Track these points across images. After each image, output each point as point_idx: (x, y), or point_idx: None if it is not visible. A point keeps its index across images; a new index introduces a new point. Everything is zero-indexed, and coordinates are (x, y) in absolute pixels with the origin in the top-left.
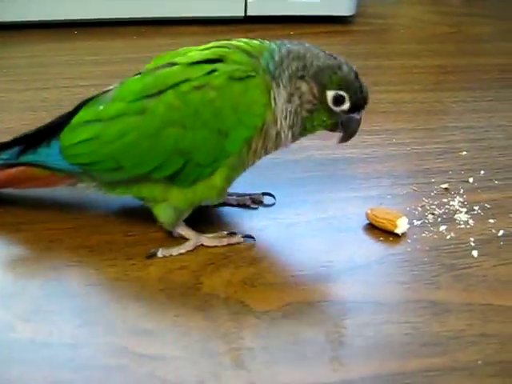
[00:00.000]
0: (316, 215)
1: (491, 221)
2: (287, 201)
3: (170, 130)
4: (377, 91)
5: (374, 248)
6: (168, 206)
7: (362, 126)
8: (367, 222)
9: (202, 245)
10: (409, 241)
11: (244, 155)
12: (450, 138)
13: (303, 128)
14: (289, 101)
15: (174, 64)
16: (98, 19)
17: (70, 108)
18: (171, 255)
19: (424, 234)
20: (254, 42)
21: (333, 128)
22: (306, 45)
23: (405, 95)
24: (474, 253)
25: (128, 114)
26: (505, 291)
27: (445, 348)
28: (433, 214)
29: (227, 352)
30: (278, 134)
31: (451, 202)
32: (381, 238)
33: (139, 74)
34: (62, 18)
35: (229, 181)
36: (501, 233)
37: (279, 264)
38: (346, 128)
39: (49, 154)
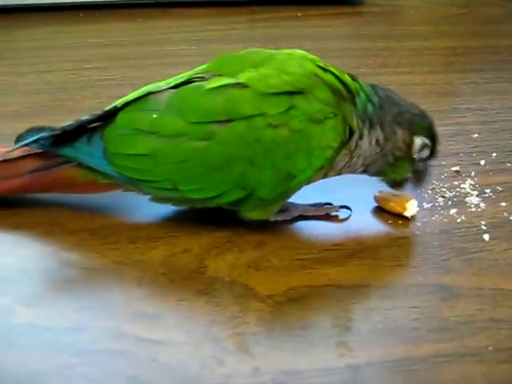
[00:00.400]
0: (323, 198)
1: (503, 204)
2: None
3: (236, 163)
4: (386, 73)
5: (383, 231)
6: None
7: None
8: (375, 205)
9: (301, 215)
10: (418, 224)
11: (302, 187)
12: (461, 120)
13: (380, 171)
14: (379, 144)
15: (245, 86)
16: (103, 2)
17: (75, 91)
18: (268, 220)
19: (434, 218)
20: (347, 77)
21: (410, 178)
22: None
23: (414, 77)
24: (485, 236)
25: (191, 137)
26: None
27: (454, 333)
28: (443, 196)
29: (231, 336)
30: (344, 167)
31: (462, 185)
32: (389, 222)
33: (196, 78)
34: (67, 1)
35: (282, 205)
36: None
37: (285, 247)
38: (420, 175)
39: (90, 154)
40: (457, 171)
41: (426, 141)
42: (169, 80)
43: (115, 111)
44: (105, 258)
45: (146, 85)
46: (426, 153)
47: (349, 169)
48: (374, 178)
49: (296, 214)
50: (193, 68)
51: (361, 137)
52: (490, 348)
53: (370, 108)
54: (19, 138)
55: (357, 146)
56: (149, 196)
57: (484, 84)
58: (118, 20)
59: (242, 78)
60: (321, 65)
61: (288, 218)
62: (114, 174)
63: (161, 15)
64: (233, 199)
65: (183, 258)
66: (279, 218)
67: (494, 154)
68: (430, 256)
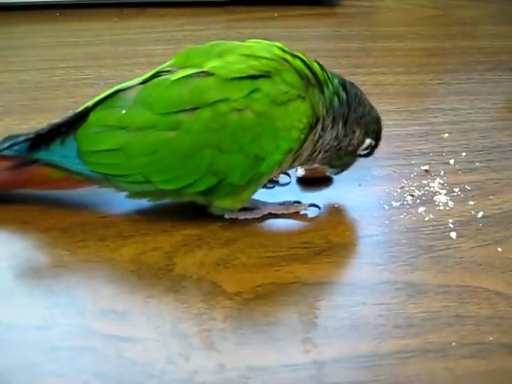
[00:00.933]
0: (291, 197)
1: (471, 202)
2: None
3: (205, 150)
4: (360, 73)
5: (351, 229)
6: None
7: None
8: (344, 203)
9: (270, 213)
10: (386, 222)
11: (273, 172)
12: (433, 120)
13: (327, 161)
14: (338, 139)
15: (210, 74)
16: (80, 1)
17: (49, 90)
18: (237, 218)
19: (402, 216)
20: (316, 65)
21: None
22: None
23: (388, 77)
24: (453, 234)
25: (159, 128)
26: (482, 272)
27: (419, 330)
28: (412, 195)
29: (198, 333)
30: (309, 158)
31: (431, 184)
32: (358, 220)
33: (162, 72)
34: (44, 0)
35: (254, 193)
36: (480, 214)
37: (253, 245)
38: (348, 166)
39: (65, 155)
40: (426, 170)
41: (373, 142)
42: (138, 78)
43: (87, 111)
44: (74, 256)
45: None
46: (367, 151)
47: (309, 161)
48: (345, 176)
49: (265, 211)
50: None
51: (323, 128)
52: (454, 344)
53: (335, 102)
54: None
55: (320, 137)
56: (125, 192)
57: (456, 85)
58: (94, 19)
59: (206, 67)
60: (288, 51)
61: (258, 215)
62: (88, 172)
63: (136, 15)
64: (205, 187)
65: (153, 256)
66: (248, 216)
67: (464, 154)
68: (397, 253)
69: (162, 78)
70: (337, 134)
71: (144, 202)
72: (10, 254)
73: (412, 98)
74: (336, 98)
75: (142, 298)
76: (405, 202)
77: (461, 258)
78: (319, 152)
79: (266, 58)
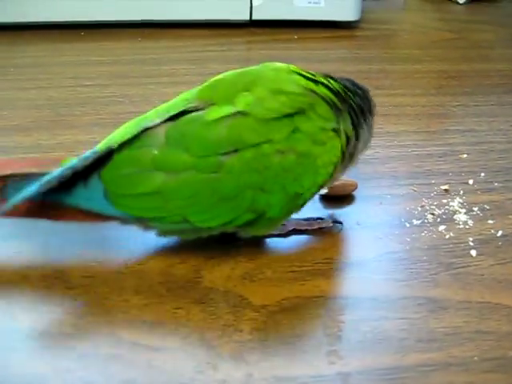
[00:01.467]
0: (314, 214)
1: (490, 221)
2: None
3: (247, 191)
4: (379, 94)
5: (372, 246)
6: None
7: None
8: (366, 220)
9: (294, 229)
10: (408, 239)
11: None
12: (451, 140)
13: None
14: (366, 142)
15: (245, 114)
16: (104, 21)
17: (75, 107)
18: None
19: (423, 234)
20: (334, 83)
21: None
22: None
23: (407, 99)
24: (473, 252)
25: (198, 170)
26: (502, 290)
27: (441, 344)
28: (432, 214)
29: (225, 344)
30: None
31: (451, 203)
32: (380, 237)
33: (190, 108)
34: (69, 20)
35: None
36: (499, 233)
37: (278, 260)
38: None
39: (90, 198)
40: (446, 190)
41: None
42: (158, 109)
43: (110, 151)
44: (104, 267)
45: (146, 103)
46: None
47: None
48: (366, 194)
49: (290, 228)
50: (192, 87)
51: (357, 137)
52: (476, 358)
53: (354, 118)
54: (2, 191)
55: (354, 148)
56: (160, 235)
57: (474, 107)
58: (119, 39)
59: (239, 105)
60: (308, 76)
61: (283, 231)
62: (119, 214)
63: (160, 35)
64: (243, 222)
65: (180, 269)
66: (275, 233)
67: (482, 174)
68: (418, 270)
69: (193, 115)
70: (364, 141)
71: None
72: (39, 264)
73: (431, 119)
74: (355, 107)
75: (170, 308)
76: (425, 221)
77: (481, 275)
78: (351, 161)
79: (294, 94)
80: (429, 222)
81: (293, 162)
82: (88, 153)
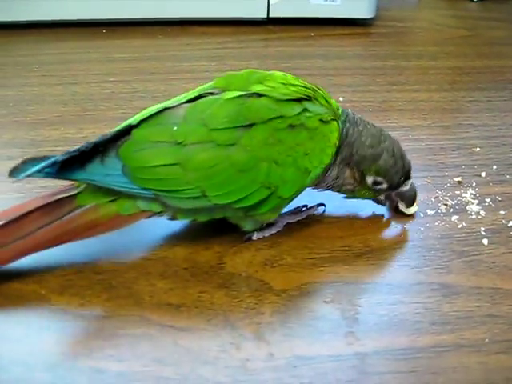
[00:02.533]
0: (333, 203)
1: (502, 212)
2: (307, 191)
3: (262, 164)
4: (394, 90)
5: (389, 235)
6: (248, 221)
7: (380, 123)
8: (381, 211)
9: (288, 222)
10: (422, 229)
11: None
12: (464, 135)
13: (345, 192)
14: (335, 178)
15: (261, 95)
16: (125, 19)
17: (100, 102)
18: (264, 236)
19: (437, 223)
20: (332, 100)
21: (377, 201)
22: (360, 125)
23: (421, 94)
24: (484, 241)
25: (216, 143)
26: None
27: (453, 327)
28: (446, 204)
29: (248, 325)
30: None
31: (463, 194)
32: (395, 226)
33: (211, 94)
34: (91, 18)
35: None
36: (510, 223)
37: (298, 247)
38: (403, 198)
39: (107, 174)
40: (459, 182)
41: (378, 179)
42: (178, 98)
43: (127, 129)
44: (131, 253)
45: (168, 98)
46: (384, 185)
47: (323, 183)
48: None
49: (284, 222)
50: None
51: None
52: (487, 340)
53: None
54: (15, 171)
55: (350, 151)
56: (175, 217)
57: (487, 102)
58: (139, 37)
59: (254, 90)
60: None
61: (280, 228)
62: (138, 190)
63: (180, 32)
64: (256, 200)
65: (204, 255)
66: (273, 231)
67: (495, 167)
68: (432, 257)
69: (211, 97)
70: (336, 174)
71: None
72: (70, 251)
73: (445, 114)
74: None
75: (195, 292)
76: (439, 211)
77: (493, 262)
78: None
79: (302, 86)
80: (442, 213)
81: (304, 136)
82: (106, 133)
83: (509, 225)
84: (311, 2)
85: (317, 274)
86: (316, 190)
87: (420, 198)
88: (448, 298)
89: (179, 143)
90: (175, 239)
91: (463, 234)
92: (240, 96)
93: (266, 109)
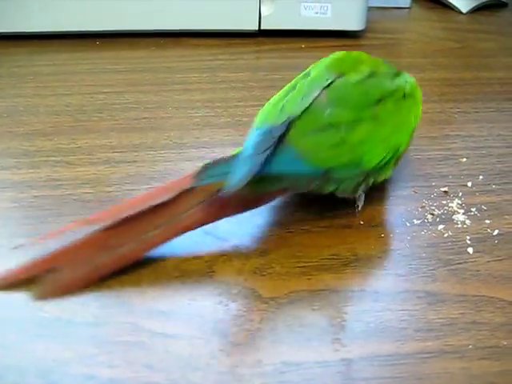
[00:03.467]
0: (321, 214)
1: (487, 221)
2: (296, 200)
3: (394, 134)
4: None
5: (375, 244)
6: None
7: None
8: (370, 219)
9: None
10: (408, 238)
11: None
12: (452, 145)
13: None
14: None
15: (374, 73)
16: (118, 31)
17: (93, 113)
18: (359, 208)
19: (423, 233)
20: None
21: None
22: None
23: None
24: (470, 250)
25: (365, 121)
26: (496, 284)
27: (438, 333)
28: (432, 214)
29: (237, 332)
30: None
31: (450, 204)
32: (382, 235)
33: (337, 76)
34: (85, 29)
35: None
36: (495, 232)
37: (286, 256)
38: None
39: (287, 163)
40: (445, 191)
41: None
42: (299, 88)
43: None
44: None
45: (160, 109)
46: None
47: None
48: (369, 196)
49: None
50: (204, 94)
51: None
52: (470, 346)
53: None
54: (200, 174)
55: None
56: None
57: (474, 113)
58: (132, 48)
59: (366, 70)
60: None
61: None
62: (312, 171)
63: (173, 45)
64: (387, 159)
65: (194, 264)
66: (361, 204)
67: (481, 177)
68: (418, 266)
69: (339, 82)
70: None
71: None
72: None
73: (432, 125)
74: None
75: (185, 299)
76: (425, 220)
77: (477, 271)
78: None
79: (389, 65)
80: (428, 222)
81: (411, 103)
82: (263, 129)
83: (494, 234)
84: (302, 14)
85: (305, 282)
86: None
87: (407, 207)
88: (433, 306)
89: (338, 126)
90: (166, 248)
91: (449, 243)
92: (364, 78)
93: (385, 84)
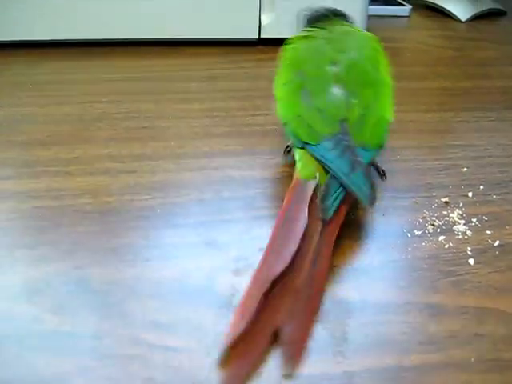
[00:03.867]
0: None
1: (488, 232)
2: None
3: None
4: None
5: (376, 255)
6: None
7: None
8: (371, 231)
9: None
10: (409, 249)
11: None
12: (452, 155)
13: None
14: None
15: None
16: (118, 39)
17: (91, 122)
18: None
19: (424, 244)
20: None
21: None
22: None
23: (410, 115)
24: (471, 261)
25: (367, 92)
26: (498, 296)
27: (440, 346)
28: (433, 225)
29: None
30: None
31: (450, 215)
32: (383, 246)
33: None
34: (85, 38)
35: None
36: (496, 243)
37: None
38: None
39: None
40: (446, 202)
41: None
42: (309, 79)
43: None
44: (123, 274)
45: (160, 118)
46: None
47: None
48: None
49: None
50: (203, 103)
51: None
52: (472, 359)
53: None
54: (323, 198)
55: None
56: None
57: (475, 122)
58: (132, 57)
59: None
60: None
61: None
62: (374, 153)
63: (172, 53)
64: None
65: (195, 277)
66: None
67: (482, 187)
68: (419, 277)
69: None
70: None
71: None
72: (62, 271)
73: (433, 134)
74: None
75: (185, 312)
76: (426, 231)
77: (478, 282)
78: None
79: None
80: (429, 233)
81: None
82: (331, 143)
83: (495, 244)
84: None
85: None
86: None
87: (408, 218)
88: (434, 318)
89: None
90: (166, 260)
91: (450, 254)
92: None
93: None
